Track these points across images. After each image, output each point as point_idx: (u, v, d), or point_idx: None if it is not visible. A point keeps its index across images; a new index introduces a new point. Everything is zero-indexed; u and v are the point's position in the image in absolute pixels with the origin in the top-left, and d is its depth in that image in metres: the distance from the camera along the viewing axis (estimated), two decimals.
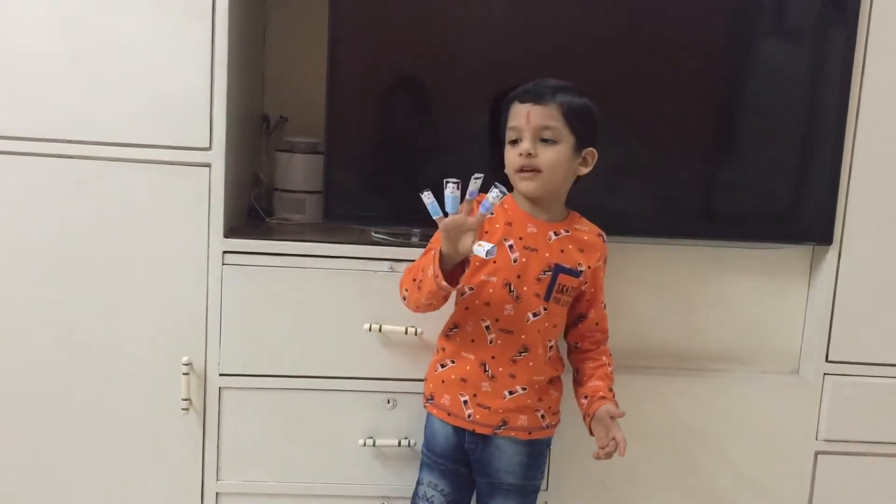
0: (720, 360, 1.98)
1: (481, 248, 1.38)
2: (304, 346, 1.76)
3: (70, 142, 1.69)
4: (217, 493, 1.81)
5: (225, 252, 1.73)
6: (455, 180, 1.38)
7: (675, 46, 1.80)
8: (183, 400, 1.74)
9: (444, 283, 1.44)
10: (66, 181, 1.70)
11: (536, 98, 1.53)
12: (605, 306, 1.67)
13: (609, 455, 1.53)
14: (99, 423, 1.77)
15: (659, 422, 1.91)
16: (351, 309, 1.76)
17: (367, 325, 1.74)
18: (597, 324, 1.66)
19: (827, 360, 1.93)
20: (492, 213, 1.50)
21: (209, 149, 1.71)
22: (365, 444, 1.78)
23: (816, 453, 1.95)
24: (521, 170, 1.53)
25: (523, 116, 1.52)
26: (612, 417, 1.55)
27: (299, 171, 1.96)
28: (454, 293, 1.53)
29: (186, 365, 1.74)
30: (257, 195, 1.99)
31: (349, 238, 1.79)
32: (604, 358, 1.66)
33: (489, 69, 1.77)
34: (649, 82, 1.80)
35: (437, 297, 1.50)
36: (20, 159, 1.69)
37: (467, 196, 1.39)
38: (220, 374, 1.77)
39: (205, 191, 1.72)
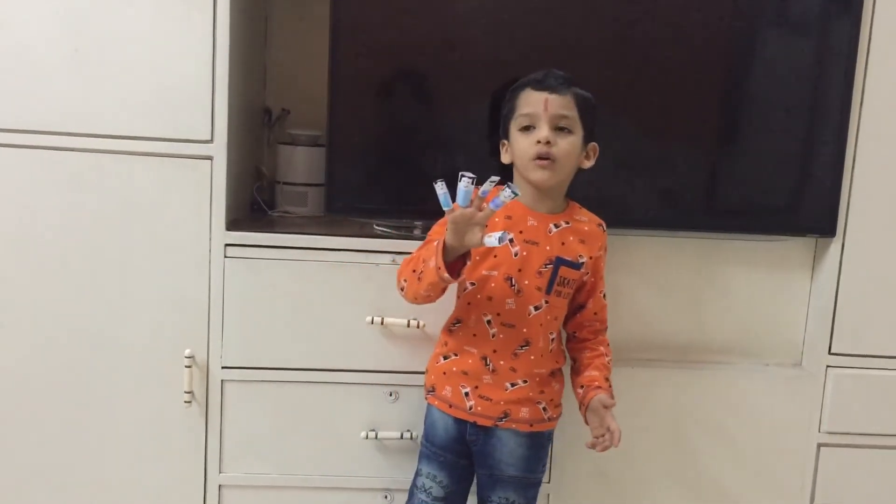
0: (723, 352, 1.98)
1: (492, 238, 1.38)
2: (306, 338, 1.76)
3: (71, 134, 1.69)
4: (220, 486, 1.81)
5: (227, 245, 1.73)
6: (471, 175, 1.37)
7: (678, 38, 1.79)
8: (185, 393, 1.75)
9: (447, 275, 1.43)
10: (67, 174, 1.70)
11: (553, 87, 1.52)
12: (604, 296, 1.66)
13: (605, 447, 1.54)
14: (101, 415, 1.77)
15: (662, 414, 1.91)
16: (353, 301, 1.75)
17: (369, 318, 1.74)
18: (595, 314, 1.65)
19: (830, 353, 1.92)
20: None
21: (211, 141, 1.71)
22: (367, 437, 1.78)
23: (819, 445, 1.94)
24: (538, 157, 1.51)
25: (541, 103, 1.51)
26: (606, 407, 1.54)
27: (301, 164, 1.96)
28: (451, 287, 1.53)
29: (188, 358, 1.74)
30: (259, 188, 1.98)
31: (351, 231, 1.79)
32: (601, 348, 1.65)
33: (491, 62, 1.76)
34: (652, 74, 1.79)
35: (437, 289, 1.50)
36: (21, 152, 1.69)
37: (479, 194, 1.39)
38: (223, 367, 1.77)
39: (206, 183, 1.72)
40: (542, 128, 1.51)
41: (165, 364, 1.75)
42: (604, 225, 1.64)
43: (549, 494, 1.87)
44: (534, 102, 1.52)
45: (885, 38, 1.83)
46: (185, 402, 1.75)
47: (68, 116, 1.68)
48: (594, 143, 1.58)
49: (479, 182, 1.38)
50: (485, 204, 1.40)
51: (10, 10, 1.65)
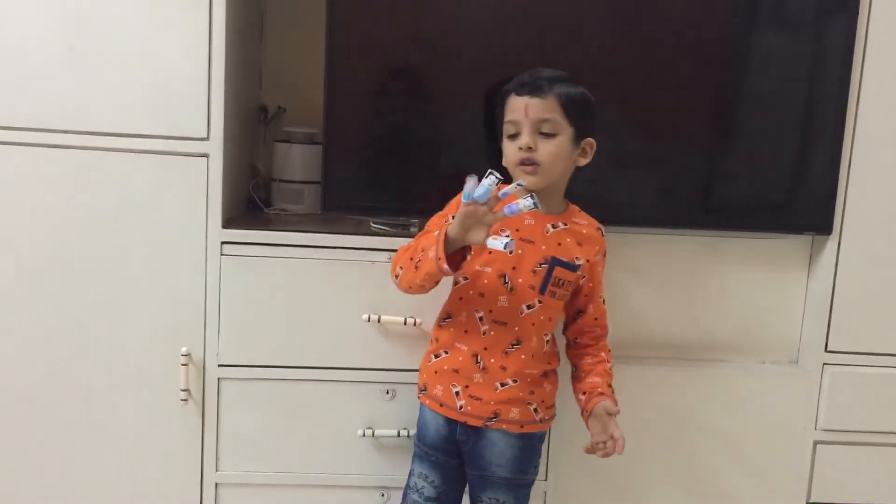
0: (719, 350, 1.98)
1: (498, 242, 1.38)
2: (303, 336, 1.76)
3: (67, 132, 1.68)
4: (216, 484, 1.81)
5: (223, 243, 1.73)
6: (499, 175, 1.36)
7: (675, 36, 1.79)
8: (182, 391, 1.74)
9: (446, 266, 1.43)
10: (62, 172, 1.70)
11: (533, 90, 1.51)
12: (604, 301, 1.66)
13: (607, 454, 1.54)
14: (98, 414, 1.77)
15: (658, 412, 1.91)
16: (349, 299, 1.75)
17: (365, 316, 1.74)
18: (595, 319, 1.65)
19: (826, 351, 1.93)
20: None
21: (207, 139, 1.70)
22: (364, 435, 1.78)
23: (815, 443, 1.95)
24: (522, 163, 1.52)
25: (521, 110, 1.51)
26: (610, 414, 1.54)
27: (297, 162, 1.95)
28: (445, 281, 1.52)
29: (185, 356, 1.74)
30: (255, 185, 1.98)
31: (348, 228, 1.79)
32: (602, 354, 1.65)
33: (487, 60, 1.76)
34: (648, 72, 1.79)
35: (432, 280, 1.50)
36: (16, 149, 1.68)
37: (500, 194, 1.39)
38: (219, 365, 1.77)
39: (203, 181, 1.71)
40: (524, 134, 1.51)
41: (162, 362, 1.75)
42: (602, 229, 1.64)
43: (545, 492, 1.87)
44: (516, 109, 1.52)
45: (881, 37, 1.83)
46: (182, 400, 1.75)
47: (63, 114, 1.68)
48: (590, 139, 1.57)
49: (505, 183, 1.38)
50: (499, 207, 1.39)
51: (3, 7, 1.64)
